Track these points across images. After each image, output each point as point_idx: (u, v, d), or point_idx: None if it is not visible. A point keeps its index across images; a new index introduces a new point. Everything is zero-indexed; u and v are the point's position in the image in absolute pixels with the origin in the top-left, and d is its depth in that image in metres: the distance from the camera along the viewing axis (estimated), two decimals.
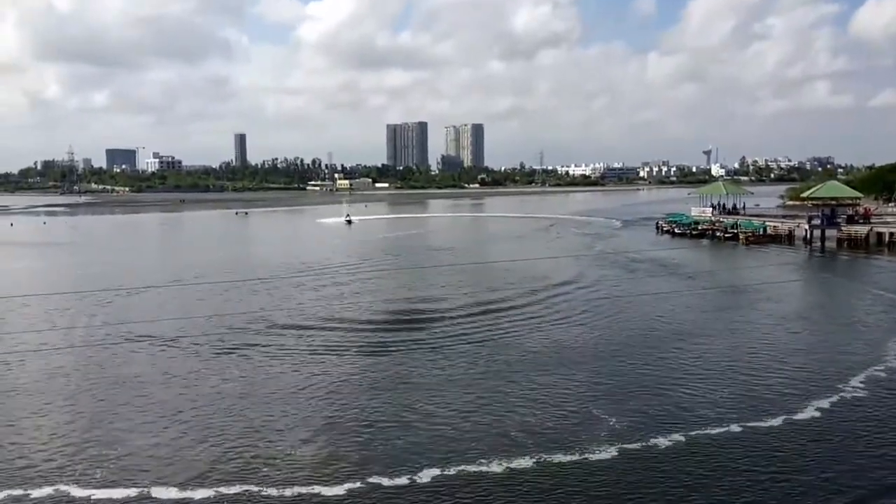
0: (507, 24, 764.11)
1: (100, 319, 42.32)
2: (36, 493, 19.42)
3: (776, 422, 23.61)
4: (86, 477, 20.36)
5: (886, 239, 76.31)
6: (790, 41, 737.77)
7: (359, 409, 25.67)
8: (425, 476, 20.04)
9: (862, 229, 78.82)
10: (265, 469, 20.66)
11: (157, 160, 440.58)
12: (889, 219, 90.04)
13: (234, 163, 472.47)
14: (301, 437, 23.21)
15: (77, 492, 19.50)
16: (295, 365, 31.67)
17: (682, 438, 22.29)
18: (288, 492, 19.28)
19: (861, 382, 27.64)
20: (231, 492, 19.33)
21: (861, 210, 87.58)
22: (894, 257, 69.49)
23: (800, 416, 24.15)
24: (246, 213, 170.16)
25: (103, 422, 24.93)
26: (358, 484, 19.61)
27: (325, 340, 36.08)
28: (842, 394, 26.35)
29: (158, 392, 28.20)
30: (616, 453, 21.24)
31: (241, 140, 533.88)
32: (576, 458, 20.99)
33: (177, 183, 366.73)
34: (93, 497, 19.21)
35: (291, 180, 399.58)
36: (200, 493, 19.25)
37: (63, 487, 19.73)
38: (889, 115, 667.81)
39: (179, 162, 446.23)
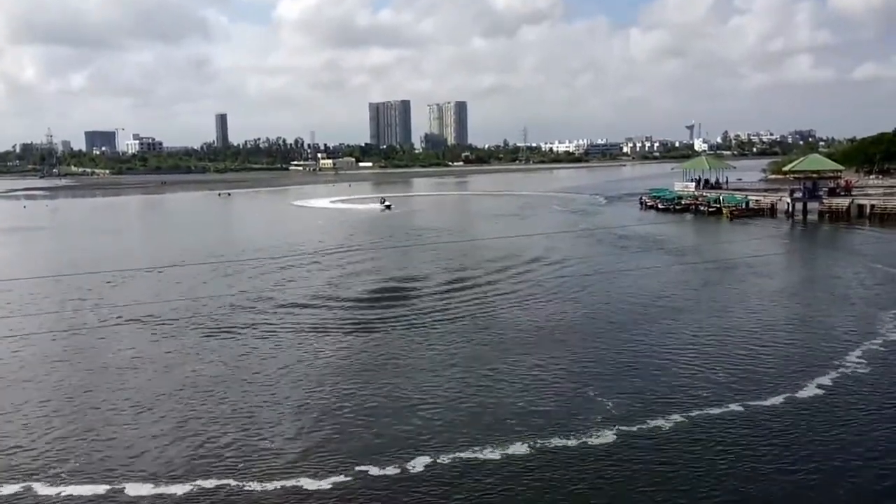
0: (489, 0, 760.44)
1: (80, 304, 41.33)
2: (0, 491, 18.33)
3: (778, 400, 23.01)
4: (55, 472, 19.34)
5: (868, 211, 76.77)
6: (771, 15, 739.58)
7: (345, 395, 24.84)
8: (417, 465, 19.20)
9: (843, 202, 79.29)
10: (246, 461, 19.71)
11: (137, 142, 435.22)
12: (870, 191, 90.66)
13: (215, 143, 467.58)
14: (284, 425, 22.30)
15: (44, 489, 18.42)
16: (278, 348, 30.85)
17: (682, 419, 21.65)
18: (270, 485, 18.33)
19: (860, 358, 27.11)
20: (209, 486, 18.36)
21: (842, 183, 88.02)
22: (876, 229, 69.71)
23: (801, 393, 23.56)
24: (229, 195, 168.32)
25: (76, 412, 23.97)
26: (344, 476, 18.72)
27: (311, 322, 35.30)
28: (842, 369, 25.83)
29: (136, 379, 27.29)
30: (615, 437, 20.51)
31: (222, 120, 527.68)
32: (573, 442, 20.25)
33: (157, 164, 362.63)
34: (61, 494, 18.18)
35: (274, 160, 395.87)
36: (176, 488, 18.28)
37: (30, 484, 18.65)
38: (870, 88, 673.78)
39: (160, 143, 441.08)
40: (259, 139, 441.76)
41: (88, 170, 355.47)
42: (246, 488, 18.32)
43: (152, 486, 18.57)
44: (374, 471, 19.03)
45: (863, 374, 25.60)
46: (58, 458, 20.41)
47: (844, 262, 51.09)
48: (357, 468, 19.16)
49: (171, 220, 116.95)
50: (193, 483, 18.60)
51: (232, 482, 18.60)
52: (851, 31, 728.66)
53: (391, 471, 19.01)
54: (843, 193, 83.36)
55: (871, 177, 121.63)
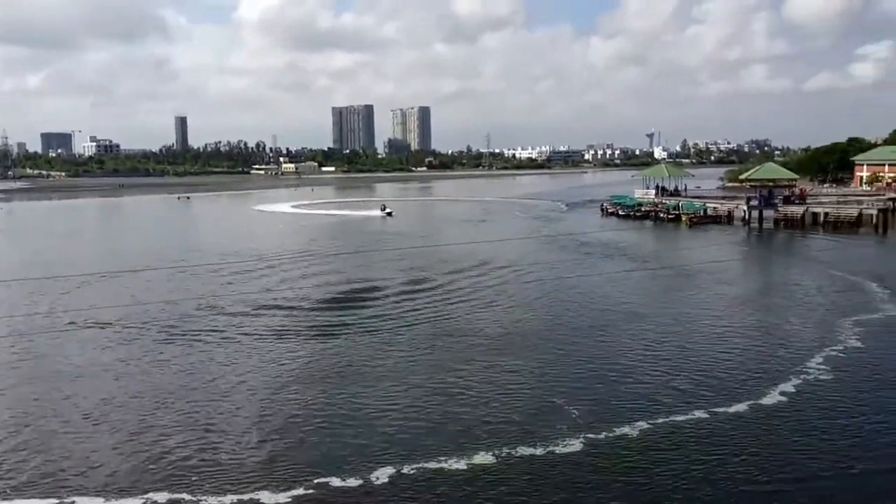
0: (451, 6, 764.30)
1: (32, 309, 39.89)
2: None
3: (741, 407, 23.04)
4: (0, 486, 18.49)
5: (821, 219, 78.88)
6: (728, 24, 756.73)
7: (305, 403, 24.23)
8: (381, 476, 18.68)
9: (798, 209, 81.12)
10: (201, 473, 18.98)
11: (94, 144, 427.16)
12: (824, 199, 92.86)
13: (174, 146, 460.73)
14: (241, 435, 21.58)
15: None
16: (237, 356, 30.06)
17: (648, 426, 21.53)
18: (226, 499, 17.65)
19: (821, 364, 27.36)
20: (161, 500, 17.64)
21: (797, 191, 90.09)
22: (829, 236, 71.51)
23: (765, 400, 23.64)
24: (188, 198, 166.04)
25: (25, 421, 22.99)
26: (304, 488, 18.09)
27: (270, 329, 34.54)
28: (804, 376, 26.01)
29: (90, 387, 26.36)
30: (581, 445, 20.27)
31: (181, 123, 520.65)
32: (539, 451, 19.97)
33: (115, 167, 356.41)
34: None
35: (235, 164, 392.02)
36: (128, 503, 17.55)
37: None
38: (824, 98, 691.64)
39: (117, 146, 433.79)
40: (220, 142, 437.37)
41: (44, 172, 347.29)
42: (201, 502, 17.64)
43: (103, 500, 17.80)
44: (335, 482, 18.49)
45: (825, 380, 25.81)
46: (3, 470, 19.47)
47: (801, 269, 52.05)
48: (317, 480, 18.59)
49: (128, 223, 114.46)
50: (146, 497, 17.88)
51: (186, 496, 17.89)
52: (806, 41, 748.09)
53: (353, 482, 18.48)
54: (797, 202, 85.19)
55: (825, 185, 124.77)
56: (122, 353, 30.94)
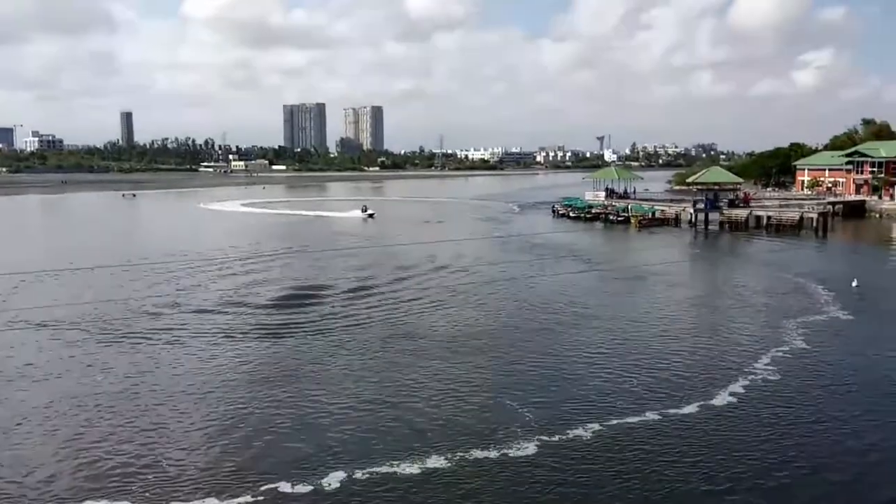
0: (403, 4, 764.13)
1: None
2: None
3: (692, 408, 23.24)
4: None
5: (764, 222, 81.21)
6: (675, 31, 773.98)
7: (253, 407, 23.62)
8: (332, 480, 18.27)
9: (742, 213, 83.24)
10: (143, 482, 18.28)
11: (36, 139, 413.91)
12: (767, 202, 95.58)
13: (120, 142, 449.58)
14: (186, 441, 20.92)
15: None
16: (182, 358, 29.21)
17: (601, 428, 21.56)
18: None
19: (768, 365, 27.82)
20: None
21: (741, 195, 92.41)
22: (772, 238, 73.73)
23: (715, 401, 23.89)
24: (134, 196, 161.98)
25: None
26: (251, 496, 17.54)
27: (218, 329, 33.67)
28: (752, 377, 26.40)
29: (24, 391, 25.23)
30: (534, 448, 20.17)
31: (127, 118, 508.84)
32: (493, 454, 19.81)
33: (58, 163, 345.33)
34: None
35: (183, 161, 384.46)
36: None
37: None
38: (767, 104, 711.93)
39: (60, 141, 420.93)
40: (167, 139, 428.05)
41: None
42: None
43: None
44: (284, 488, 18.00)
45: (772, 381, 26.23)
46: None
47: (747, 271, 53.22)
48: (265, 486, 18.06)
49: (70, 221, 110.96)
50: None
51: None
52: (750, 49, 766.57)
53: (303, 488, 18.02)
54: (741, 205, 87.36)
55: (768, 189, 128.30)
56: (59, 355, 29.80)
